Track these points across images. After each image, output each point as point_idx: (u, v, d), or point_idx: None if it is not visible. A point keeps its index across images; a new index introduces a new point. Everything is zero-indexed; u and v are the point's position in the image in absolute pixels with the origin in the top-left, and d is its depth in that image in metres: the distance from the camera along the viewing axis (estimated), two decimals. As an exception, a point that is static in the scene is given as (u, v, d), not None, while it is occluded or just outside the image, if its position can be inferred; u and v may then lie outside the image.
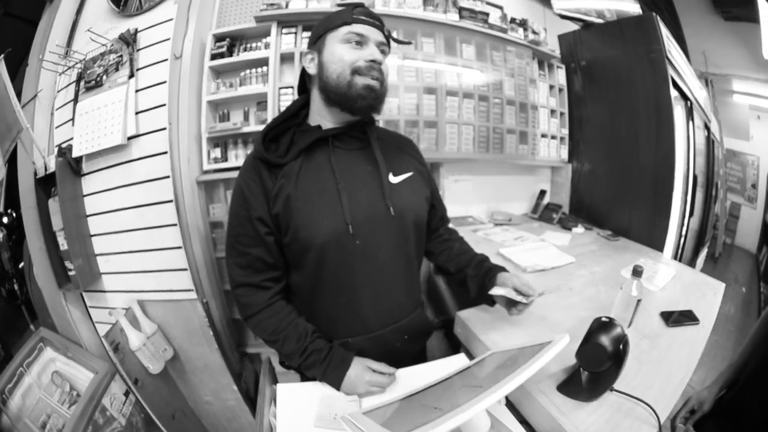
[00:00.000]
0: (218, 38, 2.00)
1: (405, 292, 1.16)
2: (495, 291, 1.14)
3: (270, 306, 1.05)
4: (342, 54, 0.99)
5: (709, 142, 4.15)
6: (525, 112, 2.69)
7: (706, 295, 1.70)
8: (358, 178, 1.05)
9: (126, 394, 1.74)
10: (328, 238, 0.99)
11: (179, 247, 1.75)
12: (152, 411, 1.75)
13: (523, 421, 0.99)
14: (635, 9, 3.07)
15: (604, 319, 0.95)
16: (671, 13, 5.75)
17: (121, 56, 1.77)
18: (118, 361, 1.69)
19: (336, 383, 1.01)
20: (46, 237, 1.77)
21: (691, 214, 3.06)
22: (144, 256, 1.80)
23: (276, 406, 0.98)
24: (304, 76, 1.11)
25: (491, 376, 0.82)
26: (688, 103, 2.96)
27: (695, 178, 3.03)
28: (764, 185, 7.69)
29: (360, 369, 1.01)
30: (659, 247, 2.37)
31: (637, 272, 1.17)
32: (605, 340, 0.90)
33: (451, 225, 1.40)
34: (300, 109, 1.10)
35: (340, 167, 1.03)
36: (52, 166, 1.76)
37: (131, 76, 1.76)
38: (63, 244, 1.76)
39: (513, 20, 2.64)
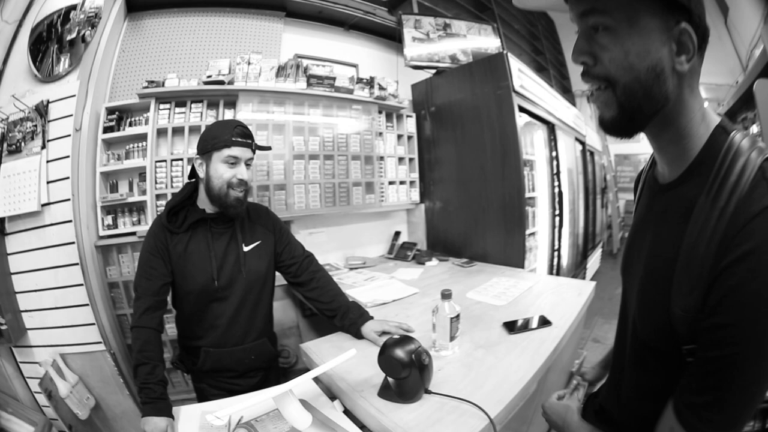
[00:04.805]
0: (110, 111, 2.11)
1: (250, 325, 1.47)
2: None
3: (142, 328, 1.28)
4: (222, 173, 1.31)
5: (585, 154, 4.40)
6: (371, 164, 2.80)
7: (567, 298, 1.77)
8: (224, 248, 1.40)
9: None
10: (200, 288, 1.36)
11: (87, 305, 1.87)
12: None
13: (364, 427, 1.09)
14: (495, 44, 3.19)
15: (399, 332, 1.12)
16: (554, 38, 6.20)
17: (35, 125, 1.92)
18: (53, 407, 1.79)
19: (144, 414, 1.14)
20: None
21: (560, 225, 3.17)
22: (60, 313, 1.89)
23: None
24: (194, 168, 1.39)
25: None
26: (549, 125, 3.15)
27: (560, 194, 3.15)
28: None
29: (162, 424, 1.11)
30: (518, 263, 2.44)
31: (445, 295, 1.28)
32: (399, 352, 1.04)
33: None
34: (193, 191, 1.41)
35: (214, 240, 1.39)
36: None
37: (43, 147, 1.90)
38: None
39: (360, 80, 2.76)
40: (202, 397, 1.46)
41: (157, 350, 1.27)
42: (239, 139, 1.31)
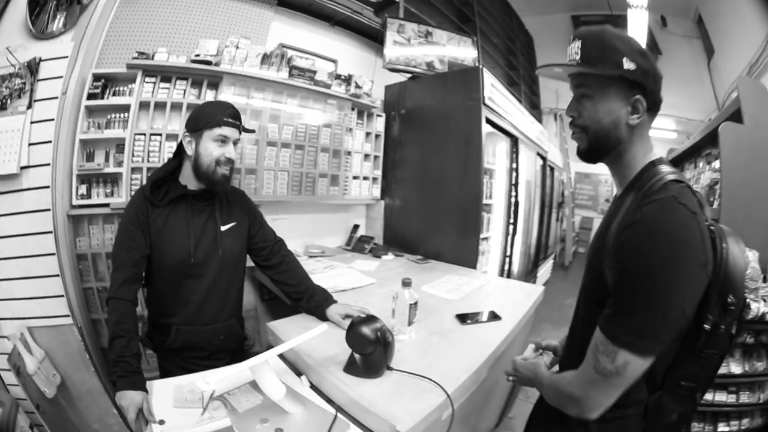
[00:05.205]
0: (96, 78, 2.07)
1: (222, 304, 1.52)
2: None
3: (119, 300, 1.29)
4: (211, 151, 1.37)
5: (545, 169, 4.55)
6: (338, 158, 2.88)
7: (516, 298, 1.92)
8: (202, 225, 1.45)
9: (31, 428, 1.75)
10: (176, 262, 1.39)
11: (57, 275, 1.83)
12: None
13: (331, 401, 1.16)
14: (471, 55, 3.38)
15: (362, 315, 1.22)
16: (531, 55, 6.43)
17: (24, 83, 1.86)
18: (21, 385, 1.72)
19: (119, 388, 1.15)
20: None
21: (514, 233, 3.35)
22: (29, 284, 1.85)
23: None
24: (181, 145, 1.43)
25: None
26: (512, 138, 3.33)
27: (516, 203, 3.34)
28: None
29: (138, 398, 1.12)
30: (471, 264, 2.57)
31: (405, 283, 1.42)
32: (366, 329, 1.15)
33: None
34: (176, 168, 1.45)
35: (194, 217, 1.43)
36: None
37: (29, 106, 1.85)
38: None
39: (339, 76, 2.85)
40: (167, 376, 1.35)
41: (134, 323, 1.29)
42: (230, 120, 1.38)
